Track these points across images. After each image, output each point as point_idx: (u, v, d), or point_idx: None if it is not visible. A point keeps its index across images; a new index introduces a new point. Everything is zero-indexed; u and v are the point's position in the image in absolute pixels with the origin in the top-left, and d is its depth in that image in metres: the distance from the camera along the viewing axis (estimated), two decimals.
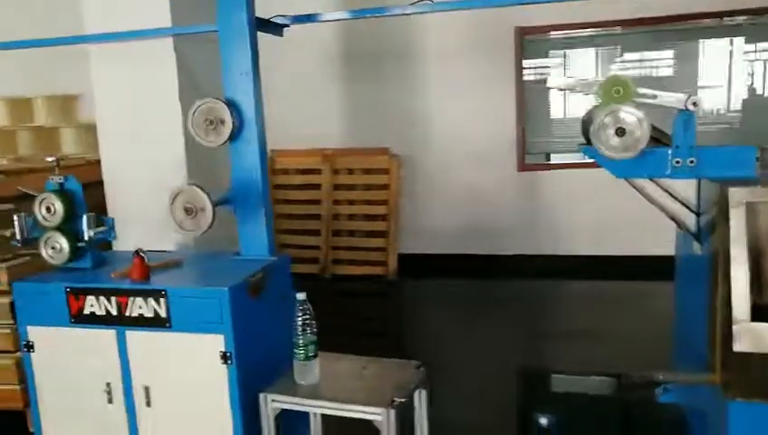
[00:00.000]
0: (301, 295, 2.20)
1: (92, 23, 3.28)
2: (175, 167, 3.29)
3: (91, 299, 2.36)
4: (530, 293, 5.33)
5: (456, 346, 4.14)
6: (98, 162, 3.67)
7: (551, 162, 6.01)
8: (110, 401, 2.41)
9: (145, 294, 2.29)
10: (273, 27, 2.85)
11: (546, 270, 5.64)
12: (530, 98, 5.75)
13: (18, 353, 2.96)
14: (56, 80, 6.21)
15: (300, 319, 2.19)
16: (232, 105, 2.53)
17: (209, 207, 2.39)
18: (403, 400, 2.05)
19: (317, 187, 5.85)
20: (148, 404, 2.37)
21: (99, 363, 2.40)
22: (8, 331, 2.94)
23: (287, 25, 2.94)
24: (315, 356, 2.22)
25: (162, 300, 2.28)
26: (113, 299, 2.33)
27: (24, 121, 6.37)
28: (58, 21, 3.72)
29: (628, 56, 5.55)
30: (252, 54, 2.56)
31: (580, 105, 5.53)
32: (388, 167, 5.78)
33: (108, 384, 2.40)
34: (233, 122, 2.50)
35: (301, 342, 2.20)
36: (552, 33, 5.62)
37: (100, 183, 3.55)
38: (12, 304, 2.93)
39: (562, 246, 5.76)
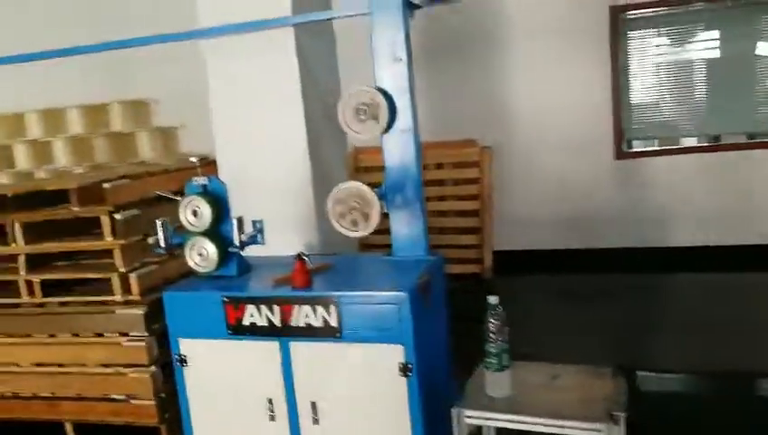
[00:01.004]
0: (493, 299, 2.00)
1: (207, 16, 3.14)
2: (296, 165, 3.12)
3: (251, 308, 2.20)
4: (634, 286, 5.03)
5: (559, 343, 3.89)
6: (208, 164, 3.54)
7: (651, 149, 5.69)
8: (271, 418, 2.25)
9: (313, 301, 2.12)
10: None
11: (647, 262, 5.35)
12: (625, 82, 5.46)
13: (153, 368, 2.85)
14: (128, 84, 6.20)
15: (492, 325, 1.99)
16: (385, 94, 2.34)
17: (377, 204, 2.21)
18: (623, 414, 1.83)
19: None
20: (316, 422, 2.20)
21: (259, 378, 2.25)
22: (143, 344, 2.82)
23: (419, 7, 2.75)
24: (509, 366, 2.02)
25: (333, 308, 2.10)
26: (276, 308, 2.17)
27: (99, 127, 6.35)
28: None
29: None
30: (405, 39, 2.37)
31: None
32: (479, 159, 5.55)
33: (269, 400, 2.24)
34: (389, 112, 2.32)
35: (493, 350, 2.00)
36: (651, 9, 5.31)
37: None
38: (146, 316, 2.82)
39: (665, 237, 5.47)
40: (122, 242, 2.79)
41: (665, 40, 5.41)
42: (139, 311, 2.80)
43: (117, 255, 2.80)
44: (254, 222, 2.43)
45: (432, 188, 5.78)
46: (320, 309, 2.12)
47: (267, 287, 2.25)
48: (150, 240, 2.46)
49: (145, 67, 6.30)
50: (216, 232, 2.39)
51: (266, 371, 2.23)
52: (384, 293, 2.08)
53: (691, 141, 5.64)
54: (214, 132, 3.32)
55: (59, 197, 3.06)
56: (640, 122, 5.54)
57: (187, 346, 2.32)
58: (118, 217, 2.77)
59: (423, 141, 6.25)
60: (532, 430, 1.91)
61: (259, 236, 2.43)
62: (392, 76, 2.37)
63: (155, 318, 2.85)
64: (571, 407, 1.92)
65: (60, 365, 3.00)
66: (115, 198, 2.79)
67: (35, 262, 3.00)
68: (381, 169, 2.42)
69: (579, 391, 2.01)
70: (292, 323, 2.16)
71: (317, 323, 2.13)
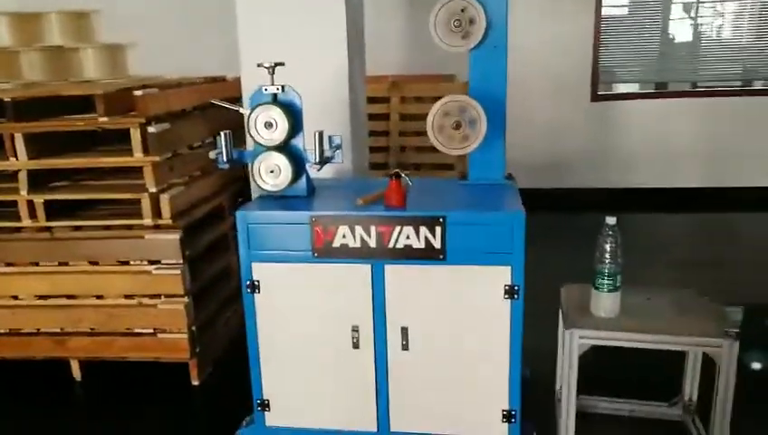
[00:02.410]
0: (611, 220, 2.00)
1: None
2: (334, 86, 2.93)
3: (343, 229, 2.06)
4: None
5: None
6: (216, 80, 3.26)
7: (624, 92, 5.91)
8: (355, 345, 2.15)
9: (417, 222, 2.02)
10: None
11: (618, 203, 5.64)
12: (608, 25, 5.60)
13: (186, 298, 2.63)
14: None
15: (608, 245, 2.00)
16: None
17: (483, 118, 2.12)
18: (737, 330, 1.92)
19: (386, 117, 5.52)
20: (405, 348, 2.14)
21: (345, 303, 2.13)
22: (177, 272, 2.58)
23: None
24: (620, 287, 2.04)
25: (438, 229, 2.02)
26: (373, 229, 2.05)
27: (32, 41, 5.64)
28: None
29: None
30: None
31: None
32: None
33: (354, 327, 2.14)
34: (485, 24, 2.21)
35: (607, 271, 2.01)
36: None
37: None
38: (182, 241, 2.58)
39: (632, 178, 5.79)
40: (155, 159, 2.51)
41: None
42: (174, 236, 2.56)
43: (147, 173, 2.52)
44: (330, 138, 2.27)
45: (411, 123, 5.70)
46: (423, 230, 2.03)
47: (354, 207, 2.11)
48: (211, 154, 2.23)
49: None
50: (289, 147, 2.21)
51: (354, 296, 2.12)
52: (497, 213, 2.03)
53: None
54: (240, 48, 3.02)
55: (63, 106, 2.71)
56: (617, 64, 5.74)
57: (260, 271, 2.15)
58: (151, 129, 2.48)
59: (401, 75, 6.12)
60: (650, 348, 1.96)
61: (338, 153, 2.27)
62: None
63: (187, 244, 2.63)
64: (682, 325, 1.98)
65: (69, 297, 2.70)
66: (146, 108, 2.49)
67: (36, 181, 2.64)
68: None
69: (675, 311, 2.08)
70: (390, 245, 2.05)
71: (419, 244, 2.03)
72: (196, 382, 2.75)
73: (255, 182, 2.23)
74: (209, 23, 5.55)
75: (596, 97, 5.76)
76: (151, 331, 2.66)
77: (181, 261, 2.58)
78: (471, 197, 2.28)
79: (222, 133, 2.22)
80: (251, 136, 2.19)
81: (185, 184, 2.74)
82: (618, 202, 5.67)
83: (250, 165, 2.23)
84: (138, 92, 2.48)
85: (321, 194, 2.31)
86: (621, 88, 5.93)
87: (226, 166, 2.24)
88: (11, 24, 5.54)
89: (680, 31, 5.78)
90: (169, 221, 2.57)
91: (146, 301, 2.65)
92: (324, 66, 2.92)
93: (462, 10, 2.20)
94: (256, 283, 2.16)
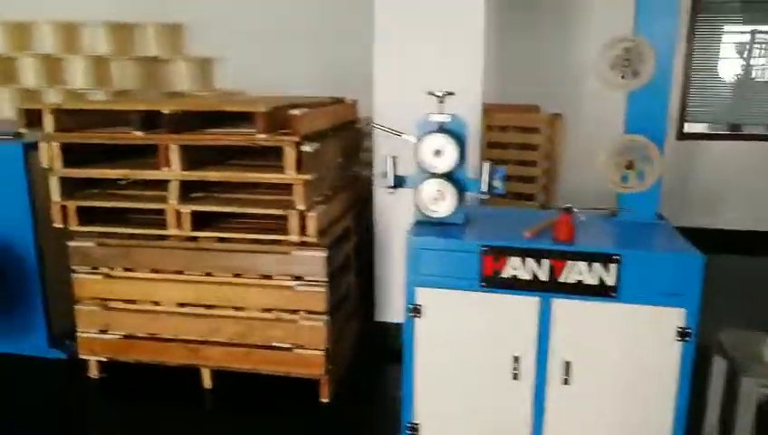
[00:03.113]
0: None
1: None
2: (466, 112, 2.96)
3: (514, 261, 2.08)
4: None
5: None
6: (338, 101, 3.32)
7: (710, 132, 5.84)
8: (515, 376, 2.16)
9: (592, 258, 2.03)
10: None
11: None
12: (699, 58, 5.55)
13: (325, 316, 2.67)
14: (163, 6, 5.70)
15: None
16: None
17: (658, 157, 2.12)
18: None
19: None
20: (566, 382, 2.13)
21: (509, 334, 2.14)
22: (321, 289, 2.63)
23: None
24: None
25: (612, 266, 2.02)
26: (546, 262, 2.06)
27: (126, 50, 5.82)
28: None
29: None
30: None
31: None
32: (546, 126, 5.51)
33: (515, 358, 2.15)
34: (653, 62, 2.22)
35: None
36: None
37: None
38: (328, 259, 2.63)
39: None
40: (306, 177, 2.56)
41: (738, 27, 5.52)
42: (321, 253, 2.61)
43: (297, 191, 2.58)
44: (493, 167, 2.29)
45: (494, 151, 5.72)
46: (596, 266, 2.03)
47: (523, 239, 2.13)
48: (377, 175, 2.27)
49: None
50: (453, 175, 2.24)
51: (518, 327, 2.13)
52: (676, 254, 2.02)
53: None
54: (374, 70, 3.08)
55: (208, 120, 2.79)
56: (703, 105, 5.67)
57: (424, 296, 2.18)
58: (306, 148, 2.54)
59: (487, 103, 6.16)
60: None
61: (500, 183, 2.29)
62: (658, 28, 2.26)
63: (329, 262, 2.67)
64: None
65: (208, 307, 2.76)
66: (300, 127, 2.55)
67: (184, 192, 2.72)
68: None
69: None
70: (561, 279, 2.06)
71: (591, 280, 2.04)
72: (325, 399, 2.78)
73: (418, 207, 2.26)
74: (297, 42, 5.63)
75: (681, 136, 5.70)
76: (287, 345, 2.70)
77: (325, 279, 2.63)
78: (638, 235, 2.28)
79: (388, 157, 2.27)
80: (418, 162, 2.23)
81: (322, 203, 2.79)
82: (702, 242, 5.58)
83: (414, 190, 2.27)
84: (294, 112, 2.54)
85: (478, 223, 2.34)
86: (698, 128, 5.86)
87: (392, 189, 2.29)
88: (107, 34, 5.77)
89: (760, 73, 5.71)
90: (314, 238, 2.62)
91: (284, 315, 2.70)
92: (461, 94, 2.96)
93: (628, 49, 2.21)
94: (419, 307, 2.19)
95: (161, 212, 2.71)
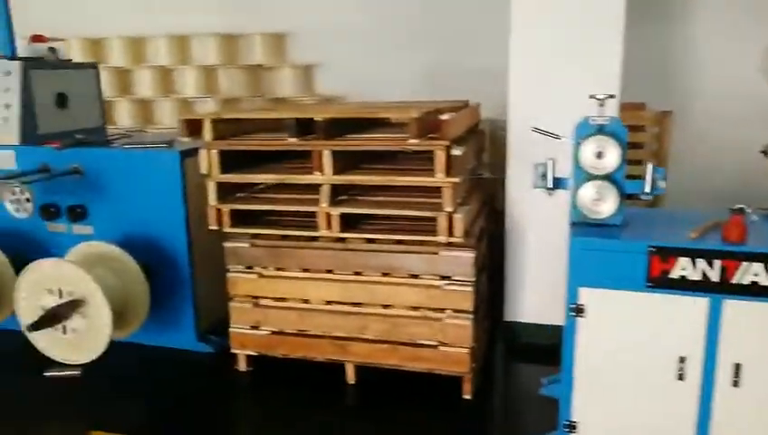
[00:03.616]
0: None
1: None
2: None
3: (683, 262, 2.09)
4: None
5: None
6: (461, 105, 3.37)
7: None
8: (680, 377, 2.16)
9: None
10: None
11: None
12: None
13: (471, 315, 2.74)
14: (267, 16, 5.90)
15: None
16: None
17: None
18: None
19: None
20: (736, 384, 2.12)
21: (675, 334, 2.15)
22: (469, 289, 2.70)
23: None
24: None
25: None
26: (717, 263, 2.06)
27: (233, 59, 6.09)
28: None
29: None
30: None
31: None
32: (653, 123, 5.41)
33: (681, 359, 2.15)
34: None
35: None
36: None
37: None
38: (476, 259, 2.69)
39: None
40: (455, 180, 2.64)
41: None
42: (469, 254, 2.69)
43: (446, 193, 2.66)
44: (655, 168, 2.30)
45: None
46: None
47: (692, 240, 2.13)
48: (534, 177, 2.33)
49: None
50: (614, 176, 2.27)
51: (686, 327, 2.14)
52: None
53: None
54: (510, 70, 3.14)
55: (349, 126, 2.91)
56: None
57: (587, 296, 2.21)
58: (456, 152, 2.62)
59: None
60: None
61: (661, 183, 2.30)
62: None
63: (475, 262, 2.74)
64: None
65: (355, 304, 2.88)
66: (449, 132, 2.63)
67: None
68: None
69: None
70: (734, 281, 2.05)
71: (766, 281, 2.02)
72: (468, 396, 2.85)
73: (578, 208, 2.30)
74: (398, 46, 5.71)
75: None
76: (433, 343, 2.79)
77: (473, 278, 2.70)
78: None
79: (548, 160, 2.32)
80: (580, 164, 2.27)
81: (462, 204, 2.86)
82: None
83: (573, 192, 2.31)
84: (444, 117, 2.63)
85: (636, 224, 2.35)
86: None
87: (551, 191, 2.34)
88: (216, 45, 6.05)
89: None
90: (461, 239, 2.69)
91: (430, 314, 2.79)
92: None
93: None
94: (581, 307, 2.22)
95: (309, 214, 2.86)
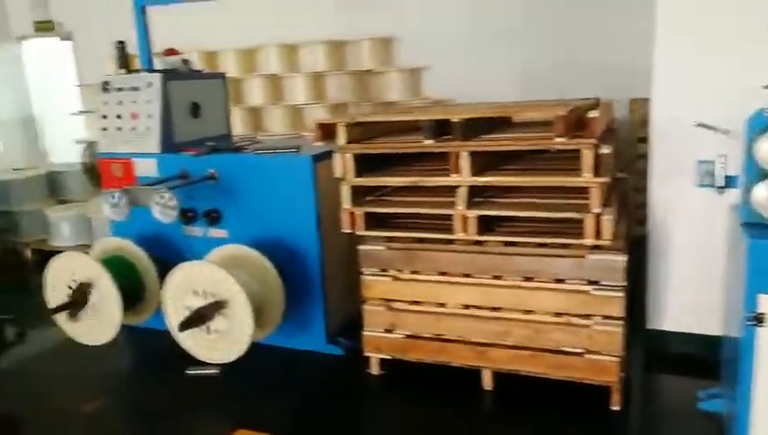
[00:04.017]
0: None
1: None
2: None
3: None
4: None
5: None
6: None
7: None
8: None
9: None
10: None
11: None
12: None
13: (621, 322, 2.59)
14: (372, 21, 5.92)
15: None
16: None
17: None
18: None
19: None
20: None
21: None
22: (619, 294, 2.56)
23: None
24: None
25: None
26: None
27: (340, 65, 6.16)
28: None
29: None
30: None
31: None
32: None
33: None
34: None
35: None
36: None
37: None
38: (628, 263, 2.55)
39: None
40: (603, 180, 2.51)
41: None
42: (621, 257, 2.54)
43: (594, 194, 2.53)
44: None
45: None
46: None
47: None
48: (698, 175, 2.16)
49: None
50: None
51: None
52: None
53: None
54: (655, 66, 2.96)
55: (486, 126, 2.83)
56: None
57: None
58: (605, 151, 2.48)
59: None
60: None
61: None
62: None
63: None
64: None
65: (494, 309, 2.80)
66: (595, 130, 2.50)
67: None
68: None
69: None
70: None
71: None
72: (616, 408, 2.70)
73: (752, 208, 2.11)
74: (504, 47, 5.57)
75: None
76: (580, 351, 2.66)
77: (624, 283, 2.55)
78: None
79: (718, 156, 2.15)
80: (754, 161, 2.08)
81: (606, 205, 2.72)
82: None
83: (743, 190, 2.13)
84: (592, 114, 2.50)
85: None
86: None
87: (722, 190, 2.17)
88: (325, 52, 6.14)
89: None
90: (609, 242, 2.55)
91: (575, 320, 2.66)
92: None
93: None
94: (762, 315, 2.03)
95: (443, 217, 2.80)
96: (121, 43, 3.82)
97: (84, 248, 5.63)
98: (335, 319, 3.50)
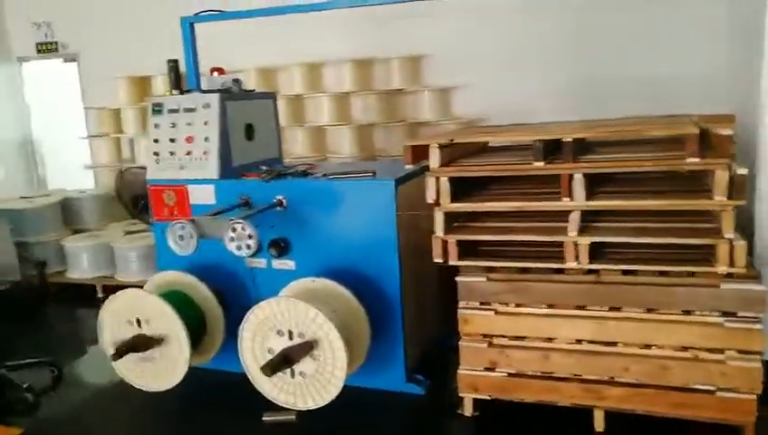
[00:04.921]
0: None
1: None
2: None
3: None
4: None
5: None
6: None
7: None
8: None
9: None
10: None
11: None
12: None
13: (759, 357, 2.40)
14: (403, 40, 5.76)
15: None
16: None
17: None
18: None
19: None
20: None
21: None
22: (758, 327, 2.37)
23: None
24: None
25: None
26: None
27: (367, 85, 5.96)
28: None
29: None
30: None
31: None
32: None
33: None
34: None
35: None
36: None
37: None
38: None
39: None
40: (739, 203, 2.33)
41: None
42: (760, 287, 2.36)
43: (726, 218, 2.35)
44: None
45: None
46: None
47: None
48: None
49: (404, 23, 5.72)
50: None
51: None
52: None
53: None
54: (764, 73, 2.81)
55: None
56: None
57: None
58: (742, 171, 2.31)
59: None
60: None
61: None
62: None
63: None
64: None
65: (607, 344, 2.59)
66: (728, 149, 2.33)
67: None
68: None
69: None
70: None
71: None
72: None
73: None
74: (536, 65, 5.45)
75: None
76: (710, 388, 2.46)
77: (762, 314, 2.36)
78: None
79: None
80: None
81: None
82: None
83: None
84: (724, 132, 2.33)
85: None
86: None
87: None
88: (351, 71, 5.95)
89: None
90: (743, 270, 2.37)
91: (704, 355, 2.47)
92: None
93: None
94: None
95: (547, 244, 2.60)
96: (174, 61, 3.56)
97: (105, 280, 5.30)
98: (413, 355, 3.25)
